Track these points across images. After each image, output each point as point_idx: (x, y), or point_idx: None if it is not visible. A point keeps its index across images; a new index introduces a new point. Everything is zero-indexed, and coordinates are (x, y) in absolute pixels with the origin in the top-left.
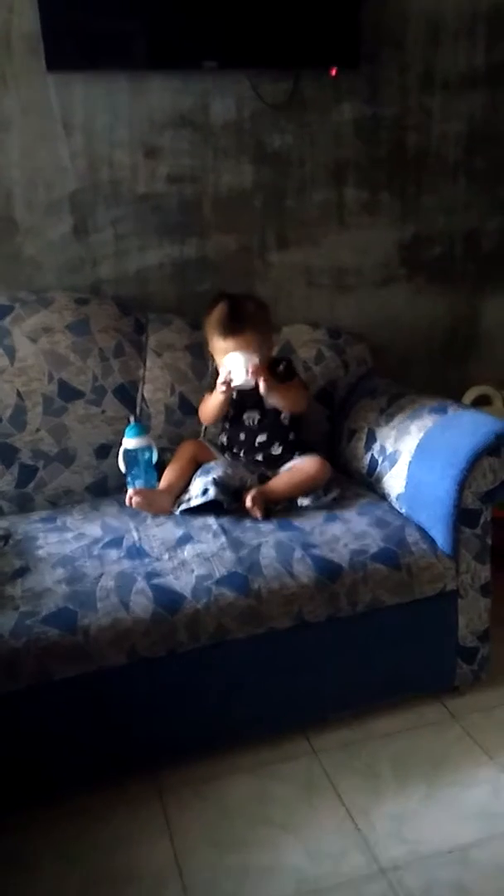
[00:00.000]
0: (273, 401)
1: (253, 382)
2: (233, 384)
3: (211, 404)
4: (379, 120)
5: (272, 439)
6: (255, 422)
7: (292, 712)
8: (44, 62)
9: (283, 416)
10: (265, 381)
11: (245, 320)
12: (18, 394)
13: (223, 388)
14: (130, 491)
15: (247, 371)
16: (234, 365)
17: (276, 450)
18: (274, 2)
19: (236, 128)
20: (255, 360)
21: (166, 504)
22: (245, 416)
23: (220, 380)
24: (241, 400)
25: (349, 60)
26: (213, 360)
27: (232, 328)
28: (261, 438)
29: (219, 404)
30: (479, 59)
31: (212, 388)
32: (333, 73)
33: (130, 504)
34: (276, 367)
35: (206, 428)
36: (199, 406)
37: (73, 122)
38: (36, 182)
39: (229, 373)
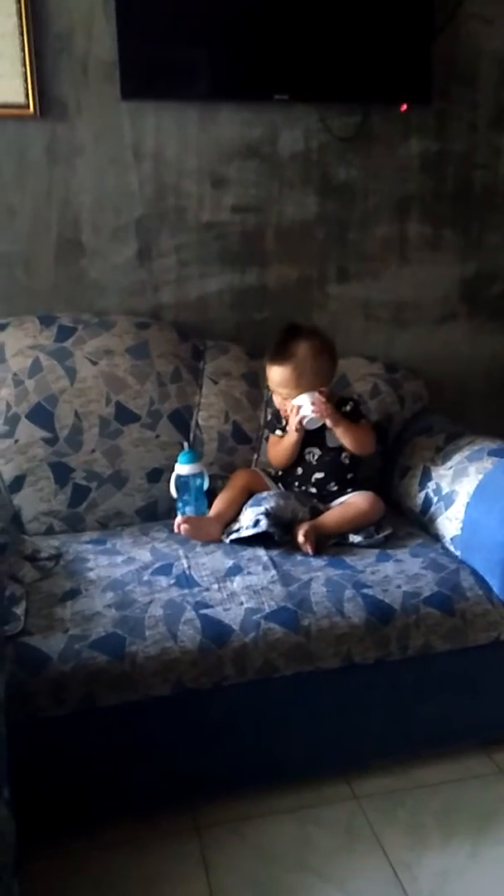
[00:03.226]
0: (339, 435)
1: (321, 421)
2: (304, 422)
3: (283, 445)
4: (446, 156)
5: (330, 477)
6: (316, 458)
7: (335, 755)
8: (119, 90)
9: (343, 455)
10: (331, 415)
11: (289, 355)
12: (76, 414)
13: (297, 427)
14: (179, 518)
15: (312, 406)
16: (303, 405)
17: (332, 487)
18: (347, 36)
19: (303, 160)
20: (317, 393)
21: (215, 532)
22: (306, 452)
23: (293, 421)
24: (305, 436)
25: (420, 96)
26: (270, 391)
27: (273, 358)
28: (318, 475)
29: (291, 445)
30: None
31: (273, 428)
32: (404, 108)
33: (179, 531)
34: (341, 408)
35: (258, 456)
36: (268, 449)
37: (143, 150)
38: (104, 207)
39: (302, 415)
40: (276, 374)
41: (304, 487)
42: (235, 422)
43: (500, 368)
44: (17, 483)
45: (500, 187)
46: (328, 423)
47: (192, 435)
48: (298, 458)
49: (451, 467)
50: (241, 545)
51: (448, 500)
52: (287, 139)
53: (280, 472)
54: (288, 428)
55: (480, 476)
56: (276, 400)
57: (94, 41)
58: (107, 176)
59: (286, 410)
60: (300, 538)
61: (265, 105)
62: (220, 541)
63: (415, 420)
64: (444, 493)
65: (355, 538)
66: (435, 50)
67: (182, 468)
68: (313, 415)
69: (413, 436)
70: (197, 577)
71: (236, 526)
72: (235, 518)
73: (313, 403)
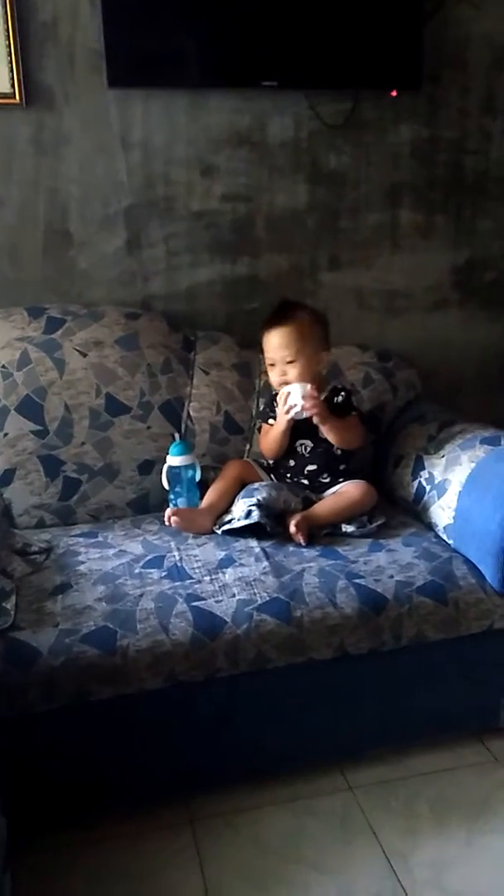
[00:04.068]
0: (325, 432)
1: (308, 414)
2: (291, 412)
3: (273, 434)
4: (437, 142)
5: (322, 469)
6: (307, 450)
7: (329, 745)
8: (105, 78)
9: (335, 446)
10: (320, 413)
11: (289, 317)
12: (66, 407)
13: (287, 416)
14: (169, 510)
15: (302, 399)
16: (293, 395)
17: (325, 478)
18: (335, 22)
19: (293, 147)
20: (309, 387)
21: (206, 524)
22: (297, 444)
23: (282, 409)
24: (296, 427)
25: (411, 82)
26: (263, 377)
27: (273, 320)
28: (311, 467)
29: (280, 433)
30: None
31: (265, 418)
32: (394, 94)
33: (169, 523)
34: (333, 398)
35: (250, 447)
36: (260, 439)
37: (131, 139)
38: (92, 196)
39: (291, 403)
40: (277, 338)
41: (296, 479)
42: (227, 412)
43: (493, 356)
44: (7, 476)
45: (491, 173)
46: (315, 419)
47: (183, 426)
48: (290, 449)
49: (443, 456)
50: (233, 536)
51: (440, 489)
52: (276, 126)
53: (272, 463)
54: (277, 412)
55: (473, 464)
56: (272, 377)
57: (79, 29)
58: (95, 165)
59: (280, 385)
60: (292, 529)
61: (254, 92)
62: (212, 532)
63: (407, 409)
64: (436, 481)
65: (348, 528)
66: (425, 35)
67: (174, 460)
68: (302, 408)
69: (406, 424)
70: (188, 569)
71: (228, 517)
72: (227, 509)
73: (304, 398)
